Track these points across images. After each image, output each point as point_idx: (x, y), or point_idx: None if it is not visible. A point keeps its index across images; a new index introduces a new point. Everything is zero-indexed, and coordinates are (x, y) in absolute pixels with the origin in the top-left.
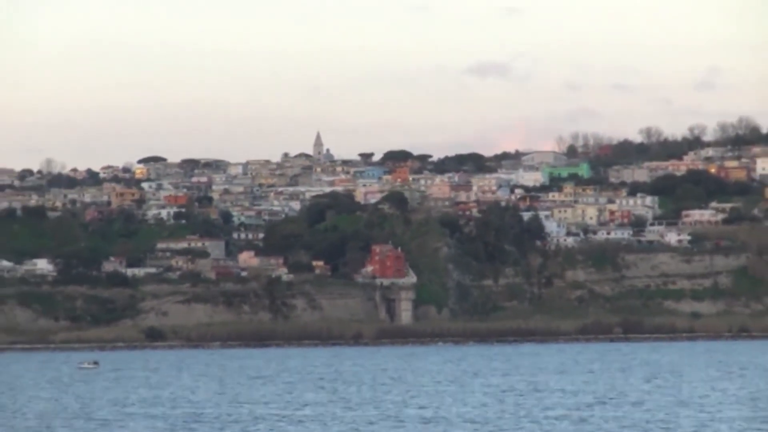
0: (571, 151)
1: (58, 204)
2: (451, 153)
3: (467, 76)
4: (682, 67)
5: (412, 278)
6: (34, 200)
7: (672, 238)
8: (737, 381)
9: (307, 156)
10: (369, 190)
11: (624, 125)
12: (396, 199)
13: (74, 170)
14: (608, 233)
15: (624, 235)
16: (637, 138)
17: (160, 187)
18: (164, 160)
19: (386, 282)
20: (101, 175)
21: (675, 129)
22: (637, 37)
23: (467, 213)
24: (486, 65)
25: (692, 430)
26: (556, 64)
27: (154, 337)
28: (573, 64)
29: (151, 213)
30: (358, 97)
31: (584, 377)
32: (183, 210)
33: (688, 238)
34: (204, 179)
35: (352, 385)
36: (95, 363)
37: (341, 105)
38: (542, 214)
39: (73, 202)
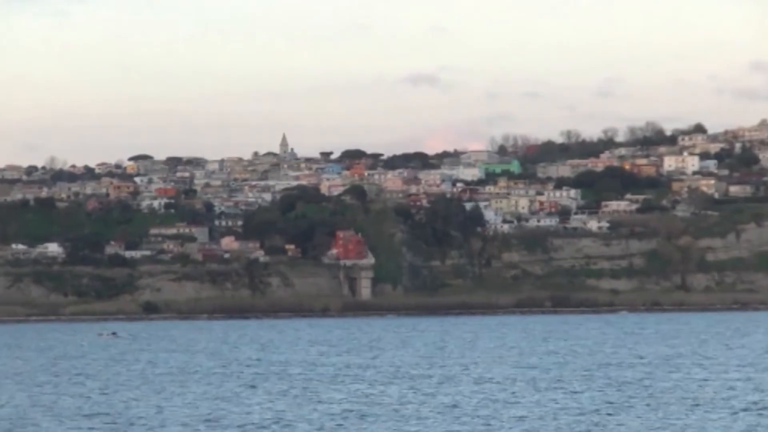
0: (502, 150)
1: (64, 195)
2: (396, 151)
3: (402, 85)
4: (584, 77)
5: (370, 260)
6: (44, 192)
7: (593, 225)
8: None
9: (274, 154)
10: (332, 184)
11: (535, 128)
12: (356, 191)
13: (73, 166)
14: (538, 221)
15: (552, 222)
16: (559, 139)
17: (150, 181)
18: (151, 157)
19: (349, 263)
20: (96, 170)
21: (584, 131)
22: (545, 51)
23: (418, 203)
24: (418, 76)
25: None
26: (477, 75)
27: (150, 310)
28: (491, 75)
29: (145, 203)
30: (314, 102)
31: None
32: (172, 201)
33: (607, 225)
34: (186, 174)
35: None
36: (114, 333)
37: (301, 110)
38: (481, 204)
39: (77, 194)
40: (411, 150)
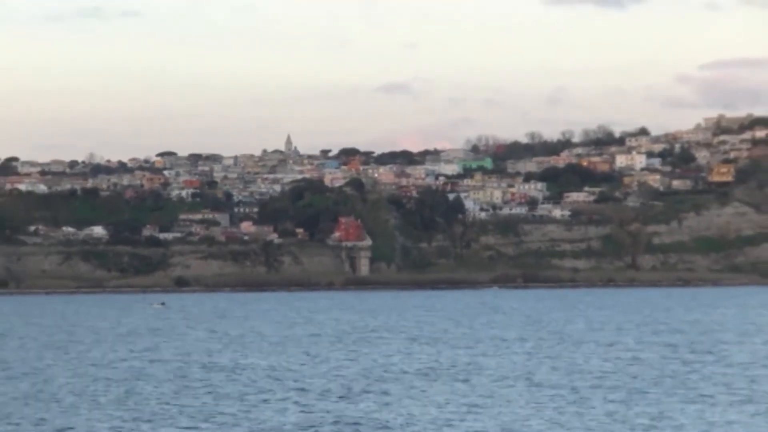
0: (475, 149)
1: (105, 186)
2: (376, 149)
3: (378, 93)
4: (535, 86)
5: (368, 242)
6: (88, 183)
7: (557, 213)
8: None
9: (280, 152)
10: (334, 177)
11: (492, 130)
12: (355, 183)
13: (109, 161)
14: (510, 209)
15: (521, 211)
16: (524, 139)
17: (177, 174)
18: (175, 154)
19: (349, 244)
20: (129, 165)
21: (544, 133)
22: (501, 64)
23: (408, 194)
24: (393, 85)
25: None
26: (442, 84)
27: (181, 284)
28: (454, 84)
29: (174, 193)
30: (307, 107)
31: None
32: (197, 191)
33: (569, 213)
34: (207, 168)
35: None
36: (163, 304)
37: (296, 113)
38: (461, 195)
39: (115, 184)
40: (388, 149)
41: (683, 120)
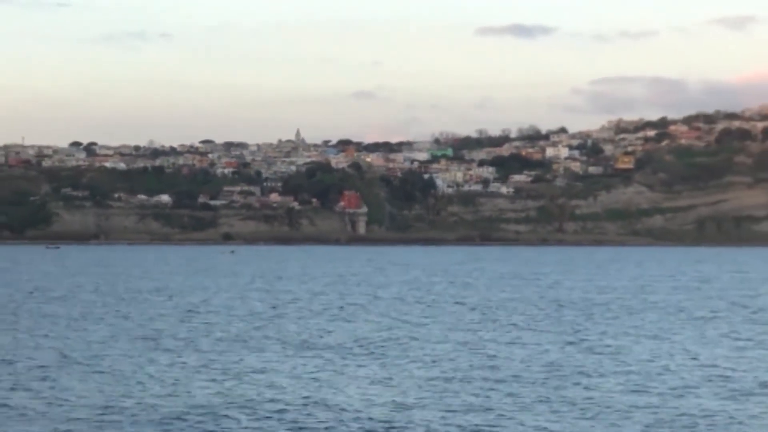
0: (437, 141)
1: (166, 165)
2: (366, 141)
3: (352, 98)
4: (466, 94)
5: (364, 209)
6: (157, 162)
7: (504, 190)
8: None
9: (292, 141)
10: (338, 161)
11: (439, 127)
12: (356, 166)
13: (163, 146)
14: (469, 187)
15: (478, 188)
16: (474, 134)
17: (219, 157)
18: (213, 141)
19: (351, 211)
20: (178, 149)
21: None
22: (444, 77)
23: (394, 175)
24: (362, 92)
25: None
26: (400, 92)
27: (227, 238)
28: (409, 92)
29: (219, 171)
30: (307, 108)
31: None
32: (235, 170)
33: (513, 190)
34: (238, 153)
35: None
36: (232, 252)
37: (301, 113)
38: (433, 175)
39: (173, 164)
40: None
41: (577, 122)
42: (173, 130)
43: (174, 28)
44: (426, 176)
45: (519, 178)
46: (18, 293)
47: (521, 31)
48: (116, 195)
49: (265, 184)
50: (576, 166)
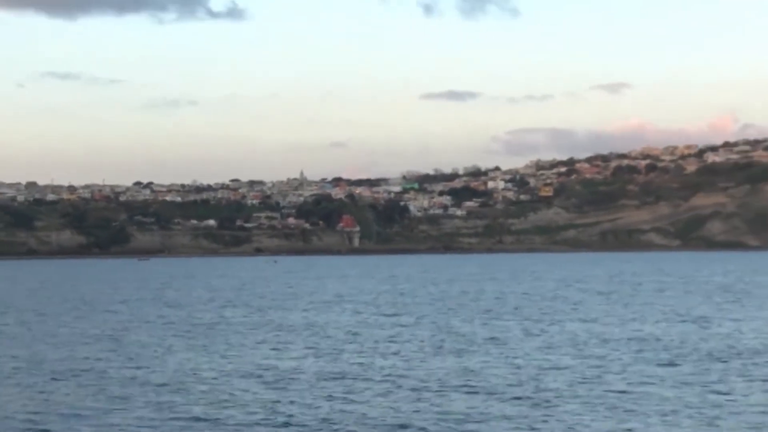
0: (404, 178)
1: (211, 198)
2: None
3: (329, 148)
4: (412, 145)
5: (358, 228)
6: (203, 196)
7: (459, 213)
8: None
9: (296, 179)
10: (336, 193)
11: (393, 169)
12: (350, 196)
13: (202, 184)
14: (433, 211)
15: (440, 211)
16: (432, 172)
17: (248, 191)
18: (239, 180)
19: (348, 230)
20: (213, 186)
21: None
22: (393, 132)
23: (379, 203)
24: (336, 143)
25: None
26: (364, 143)
27: (258, 251)
28: (374, 143)
29: (249, 202)
30: (289, 156)
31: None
32: (261, 201)
33: (465, 213)
34: (260, 188)
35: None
36: (275, 261)
37: (290, 160)
38: (407, 203)
39: (214, 197)
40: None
41: (496, 162)
42: (207, 171)
43: (198, 97)
44: (401, 203)
45: (469, 204)
46: (201, 302)
47: (454, 95)
48: (175, 220)
49: (283, 210)
50: (510, 195)
